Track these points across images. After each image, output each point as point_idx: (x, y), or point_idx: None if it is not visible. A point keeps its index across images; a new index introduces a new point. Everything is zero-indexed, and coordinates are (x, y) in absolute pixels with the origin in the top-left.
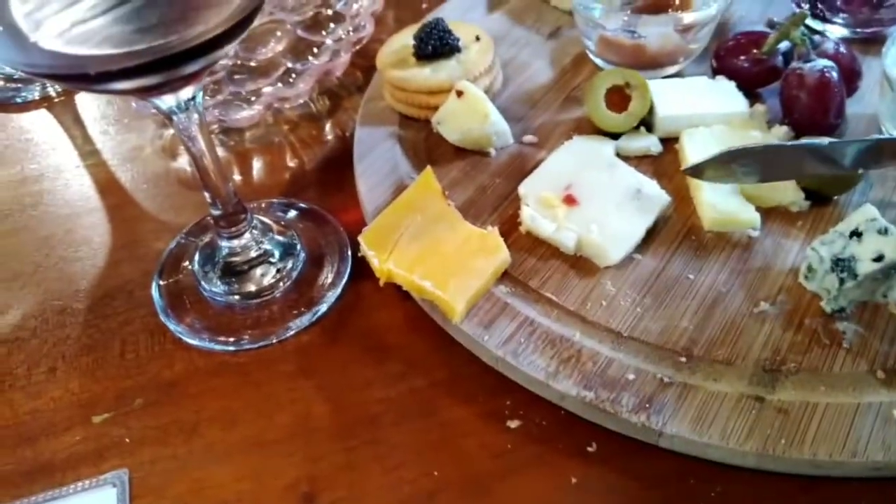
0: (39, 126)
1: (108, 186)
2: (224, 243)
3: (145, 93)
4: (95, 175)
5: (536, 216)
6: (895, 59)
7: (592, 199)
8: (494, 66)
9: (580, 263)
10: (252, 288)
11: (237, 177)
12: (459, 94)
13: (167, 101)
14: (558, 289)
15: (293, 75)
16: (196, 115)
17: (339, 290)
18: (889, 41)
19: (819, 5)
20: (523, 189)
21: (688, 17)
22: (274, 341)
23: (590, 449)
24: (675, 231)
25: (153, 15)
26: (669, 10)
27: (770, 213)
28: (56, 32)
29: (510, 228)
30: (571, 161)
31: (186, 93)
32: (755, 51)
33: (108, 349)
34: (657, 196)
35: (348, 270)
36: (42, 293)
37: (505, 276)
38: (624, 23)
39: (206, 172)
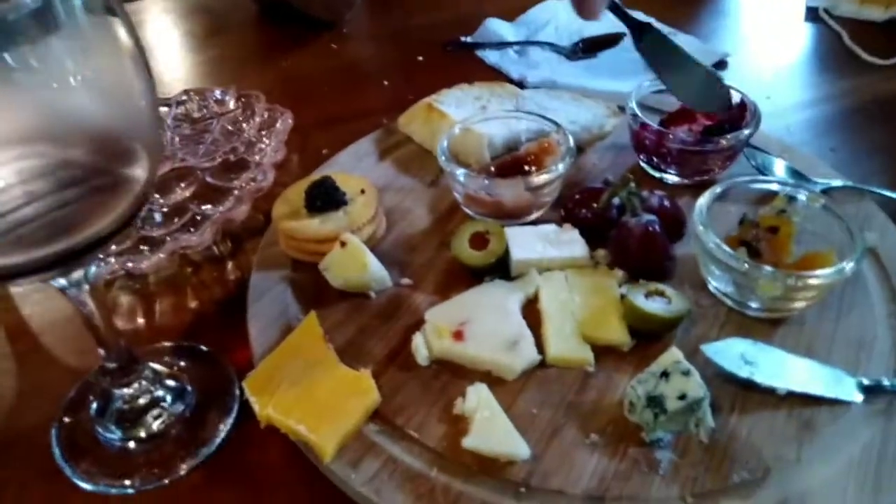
0: None
1: (17, 331)
2: (117, 391)
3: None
4: (5, 320)
5: (421, 346)
6: (699, 215)
7: (476, 339)
8: (377, 216)
9: (442, 400)
10: (143, 434)
11: (140, 319)
12: (343, 244)
13: (59, 281)
14: (421, 425)
15: (198, 218)
16: (86, 286)
17: (225, 431)
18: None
19: (654, 159)
20: (429, 315)
21: (537, 179)
22: (166, 482)
23: None
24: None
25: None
26: (526, 166)
27: (603, 352)
28: None
29: (384, 367)
30: (479, 300)
31: (77, 274)
32: (595, 204)
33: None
34: (529, 352)
35: (235, 412)
36: None
37: (376, 415)
38: (483, 185)
39: (97, 331)
